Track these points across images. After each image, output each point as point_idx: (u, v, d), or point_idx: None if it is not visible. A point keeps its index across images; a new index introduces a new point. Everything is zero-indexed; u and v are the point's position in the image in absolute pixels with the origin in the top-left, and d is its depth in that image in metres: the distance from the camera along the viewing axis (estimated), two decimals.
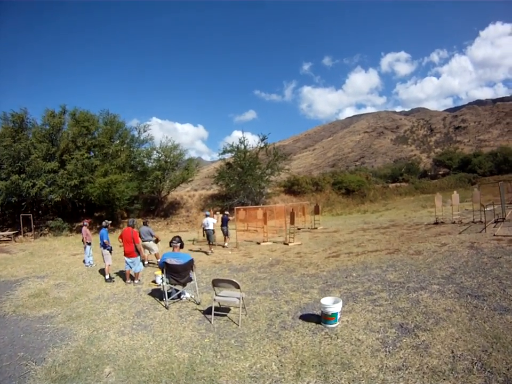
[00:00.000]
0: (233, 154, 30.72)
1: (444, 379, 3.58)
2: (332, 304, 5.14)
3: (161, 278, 6.76)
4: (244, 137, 30.24)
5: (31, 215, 21.66)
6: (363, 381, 3.68)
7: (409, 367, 3.85)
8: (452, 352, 4.10)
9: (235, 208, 15.93)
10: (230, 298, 5.75)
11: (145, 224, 11.25)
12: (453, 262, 8.15)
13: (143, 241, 10.84)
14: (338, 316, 5.12)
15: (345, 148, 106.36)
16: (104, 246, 9.48)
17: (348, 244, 12.43)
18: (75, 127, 23.57)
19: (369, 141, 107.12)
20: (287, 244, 13.75)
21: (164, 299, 6.63)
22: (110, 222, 10.60)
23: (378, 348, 4.33)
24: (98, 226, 20.67)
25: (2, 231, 21.28)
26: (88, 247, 11.46)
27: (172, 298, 6.86)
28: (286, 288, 7.30)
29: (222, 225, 14.65)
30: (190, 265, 6.56)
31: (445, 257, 8.70)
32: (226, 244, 14.59)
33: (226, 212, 15.63)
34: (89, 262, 11.54)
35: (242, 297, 5.57)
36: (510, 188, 25.64)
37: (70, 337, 5.44)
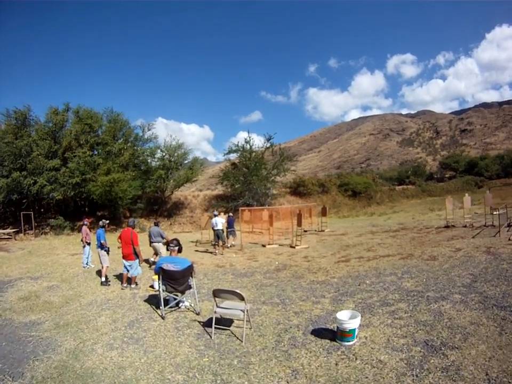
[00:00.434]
0: (238, 154, 30.30)
1: None
2: (349, 319, 4.52)
3: (158, 284, 6.16)
4: (249, 137, 29.87)
5: (32, 213, 21.29)
6: None
7: None
8: (486, 374, 3.58)
9: (240, 209, 15.41)
10: (233, 311, 5.08)
11: (156, 224, 11.04)
12: (471, 268, 7.60)
13: (152, 242, 10.66)
14: (356, 332, 4.53)
15: (350, 150, 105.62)
16: (101, 246, 9.08)
17: (358, 248, 11.86)
18: (78, 125, 23.33)
19: (375, 143, 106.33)
20: (294, 247, 13.19)
21: (160, 308, 6.03)
22: (107, 221, 10.14)
23: (404, 371, 3.76)
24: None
25: (3, 229, 20.91)
26: (87, 247, 11.01)
27: (170, 307, 6.28)
28: (295, 297, 6.71)
29: (228, 227, 14.46)
30: (189, 271, 5.93)
31: (462, 263, 8.14)
32: (229, 245, 14.37)
33: (231, 214, 15.43)
34: (87, 263, 11.09)
35: (246, 310, 4.92)
36: None
37: (54, 349, 4.91)
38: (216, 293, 5.17)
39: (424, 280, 7.06)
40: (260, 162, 29.19)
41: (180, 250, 6.30)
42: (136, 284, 8.26)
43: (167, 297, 6.31)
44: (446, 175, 56.56)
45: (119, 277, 9.07)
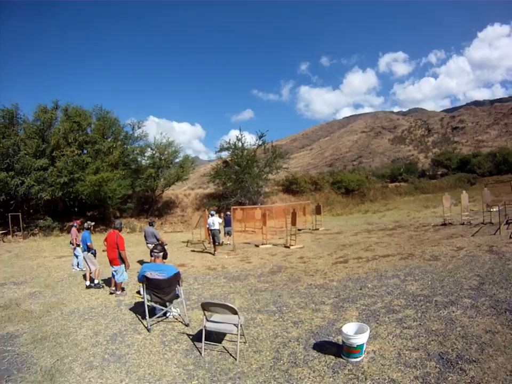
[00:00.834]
0: (230, 152, 29.77)
1: None
2: (357, 334, 4.03)
3: (143, 292, 5.58)
4: (241, 135, 29.42)
5: (20, 214, 20.67)
6: None
7: None
8: None
9: (231, 207, 14.92)
10: (225, 325, 4.52)
11: (150, 224, 10.52)
12: (476, 269, 7.21)
13: (146, 243, 10.27)
14: (364, 347, 4.03)
15: (342, 148, 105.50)
16: (88, 249, 8.59)
17: (355, 247, 11.43)
18: (66, 123, 22.77)
19: (367, 140, 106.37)
20: (288, 247, 12.73)
21: (146, 318, 5.45)
22: (92, 223, 9.62)
23: None
24: None
25: None
26: (77, 249, 10.49)
27: (158, 316, 5.71)
28: (292, 304, 6.18)
29: (225, 226, 14.64)
30: (175, 279, 5.33)
31: (466, 263, 7.76)
32: (227, 243, 14.55)
33: (228, 212, 15.40)
34: (77, 265, 10.67)
35: (240, 325, 4.35)
36: None
37: (29, 367, 4.36)
38: (206, 306, 4.57)
39: (429, 282, 6.63)
40: (252, 160, 28.71)
41: (165, 257, 5.73)
42: (123, 290, 7.70)
43: (152, 307, 5.76)
44: (438, 172, 56.52)
45: (107, 281, 8.59)
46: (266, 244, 13.74)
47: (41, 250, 15.54)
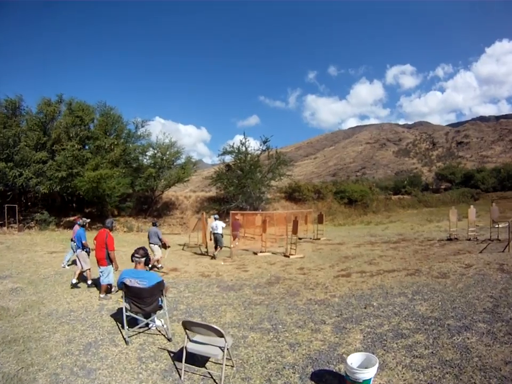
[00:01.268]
0: (233, 156, 29.35)
1: None
2: (363, 366, 3.45)
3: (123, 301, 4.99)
4: (245, 139, 29.01)
5: (16, 206, 20.36)
6: None
7: None
8: None
9: (231, 212, 14.40)
10: (209, 348, 3.87)
11: (154, 224, 10.82)
12: (488, 289, 6.65)
13: (149, 243, 10.30)
14: (371, 382, 3.45)
15: (346, 158, 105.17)
16: (82, 247, 8.21)
17: (358, 260, 10.86)
18: (69, 117, 22.58)
19: (371, 152, 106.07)
20: (288, 256, 12.17)
21: (125, 329, 4.89)
22: (88, 220, 9.11)
23: None
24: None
25: None
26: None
27: (140, 327, 5.14)
28: (289, 322, 5.55)
29: (233, 231, 14.68)
30: (158, 289, 4.76)
31: (477, 282, 7.20)
32: (233, 244, 14.35)
33: (237, 217, 15.60)
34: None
35: (227, 348, 3.72)
36: None
37: None
38: (187, 325, 3.94)
39: (439, 303, 6.06)
40: (255, 165, 28.32)
41: (146, 263, 5.18)
42: (108, 293, 7.17)
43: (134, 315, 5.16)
44: (442, 187, 56.20)
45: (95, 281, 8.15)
46: (265, 251, 13.21)
47: (34, 244, 15.10)
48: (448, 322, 5.16)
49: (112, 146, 23.40)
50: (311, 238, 17.57)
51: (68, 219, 22.44)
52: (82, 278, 8.36)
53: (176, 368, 4.14)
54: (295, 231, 12.79)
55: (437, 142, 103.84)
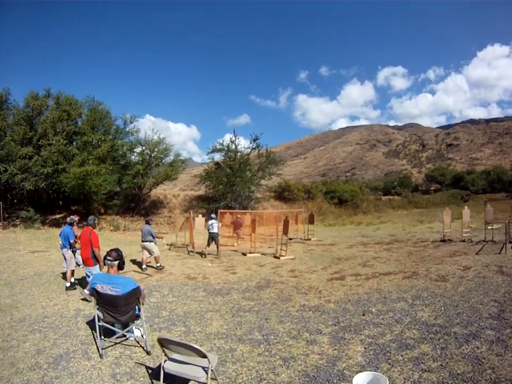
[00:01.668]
0: (223, 154, 28.81)
1: None
2: None
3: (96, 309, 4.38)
4: (235, 137, 28.50)
5: (1, 203, 19.59)
6: None
7: None
8: None
9: (219, 211, 13.86)
10: (190, 368, 3.29)
11: (147, 222, 10.69)
12: (491, 293, 6.38)
13: (142, 241, 10.10)
14: None
15: (336, 158, 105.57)
16: (69, 246, 7.81)
17: (351, 262, 10.45)
18: (56, 111, 21.91)
19: (361, 152, 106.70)
20: (278, 258, 11.67)
21: (99, 340, 4.32)
22: (76, 218, 8.53)
23: None
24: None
25: None
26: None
27: (117, 337, 4.58)
28: (282, 332, 5.02)
29: (235, 229, 15.33)
30: (134, 296, 4.20)
31: (478, 285, 6.93)
32: (236, 244, 15.13)
33: (239, 216, 16.30)
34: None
35: (211, 370, 3.17)
36: None
37: None
38: (164, 343, 3.34)
39: (442, 308, 5.67)
40: (244, 164, 27.85)
41: (120, 266, 4.55)
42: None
43: (112, 324, 4.57)
44: (432, 188, 56.67)
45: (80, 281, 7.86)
46: (255, 252, 12.70)
47: (17, 243, 14.48)
48: (454, 330, 4.77)
49: (100, 142, 22.72)
50: (301, 239, 17.13)
51: (53, 217, 21.77)
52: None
53: None
54: (285, 232, 12.31)
55: (426, 143, 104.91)
